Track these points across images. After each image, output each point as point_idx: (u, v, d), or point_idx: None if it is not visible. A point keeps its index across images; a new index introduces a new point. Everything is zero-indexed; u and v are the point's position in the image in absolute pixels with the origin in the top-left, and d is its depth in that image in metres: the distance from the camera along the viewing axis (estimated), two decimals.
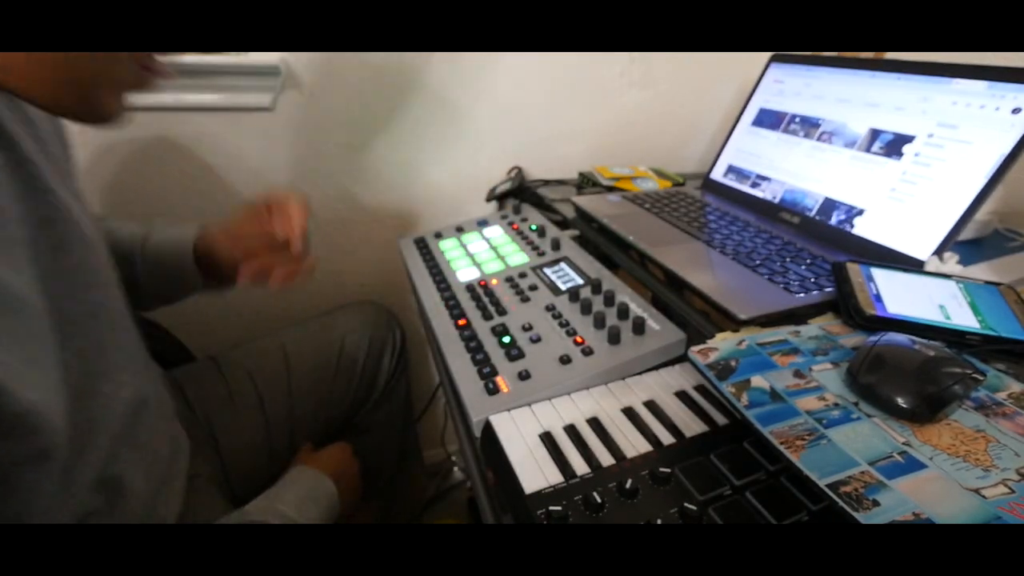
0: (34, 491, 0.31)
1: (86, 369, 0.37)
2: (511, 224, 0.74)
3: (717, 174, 0.81)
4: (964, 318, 0.45)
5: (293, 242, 0.55)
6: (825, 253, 0.59)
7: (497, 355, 0.48)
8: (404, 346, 0.82)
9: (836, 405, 0.36)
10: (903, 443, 0.33)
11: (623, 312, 0.50)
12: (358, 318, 0.78)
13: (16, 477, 0.30)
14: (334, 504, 0.58)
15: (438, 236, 0.74)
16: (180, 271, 0.57)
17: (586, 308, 0.52)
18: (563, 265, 0.62)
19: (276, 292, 0.58)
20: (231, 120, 0.77)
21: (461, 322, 0.54)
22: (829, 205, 0.64)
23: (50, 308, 0.34)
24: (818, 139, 0.68)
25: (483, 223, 0.76)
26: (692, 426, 0.40)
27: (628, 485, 0.34)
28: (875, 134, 0.62)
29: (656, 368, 0.48)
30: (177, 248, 0.57)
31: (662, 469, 0.35)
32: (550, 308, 0.54)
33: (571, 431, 0.40)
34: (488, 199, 0.90)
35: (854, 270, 0.50)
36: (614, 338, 0.48)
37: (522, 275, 0.61)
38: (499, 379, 0.45)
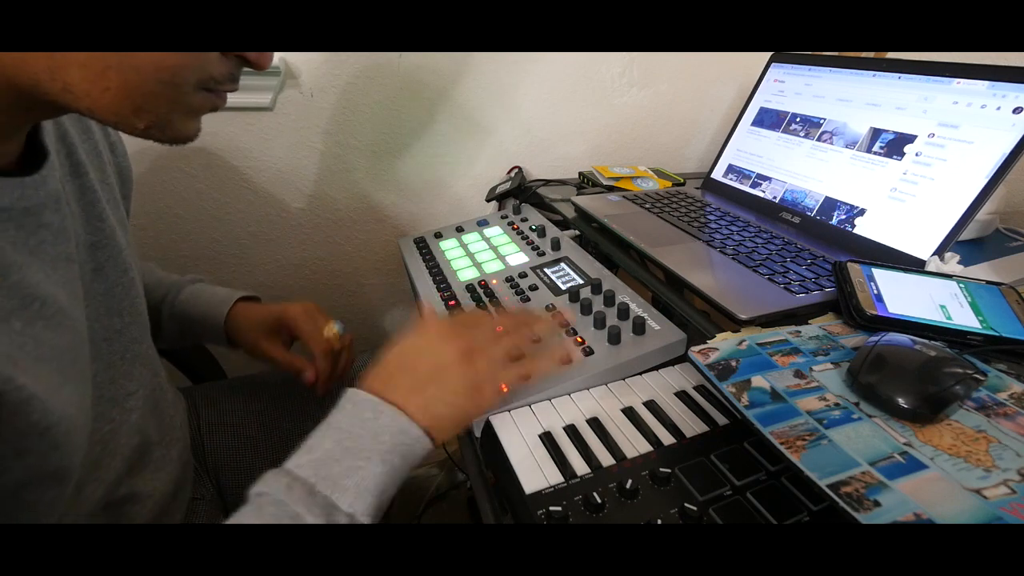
0: (43, 510, 0.32)
1: (99, 393, 0.38)
2: (511, 224, 0.74)
3: (717, 174, 0.81)
4: (965, 318, 0.45)
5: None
6: (826, 253, 0.59)
7: None
8: None
9: (837, 405, 0.36)
10: (904, 443, 0.33)
11: (623, 312, 0.50)
12: None
13: (30, 494, 0.30)
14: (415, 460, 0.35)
15: (438, 236, 0.74)
16: (206, 334, 0.59)
17: (586, 308, 0.52)
18: (563, 265, 0.62)
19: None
20: (231, 119, 0.77)
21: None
22: (830, 205, 0.64)
23: (88, 327, 0.36)
24: (819, 139, 0.68)
25: (483, 223, 0.76)
26: (692, 426, 0.40)
27: (628, 485, 0.34)
28: (876, 134, 0.62)
29: (656, 368, 0.47)
30: (208, 317, 0.58)
31: (662, 469, 0.35)
32: (550, 308, 0.54)
33: (571, 431, 0.40)
34: (488, 199, 0.90)
35: (855, 270, 0.50)
36: (614, 338, 0.48)
37: (522, 275, 0.61)
38: None
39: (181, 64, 0.29)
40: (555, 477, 0.35)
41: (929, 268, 0.52)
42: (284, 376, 0.68)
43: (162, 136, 0.32)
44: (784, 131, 0.73)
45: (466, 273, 0.64)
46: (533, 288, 0.58)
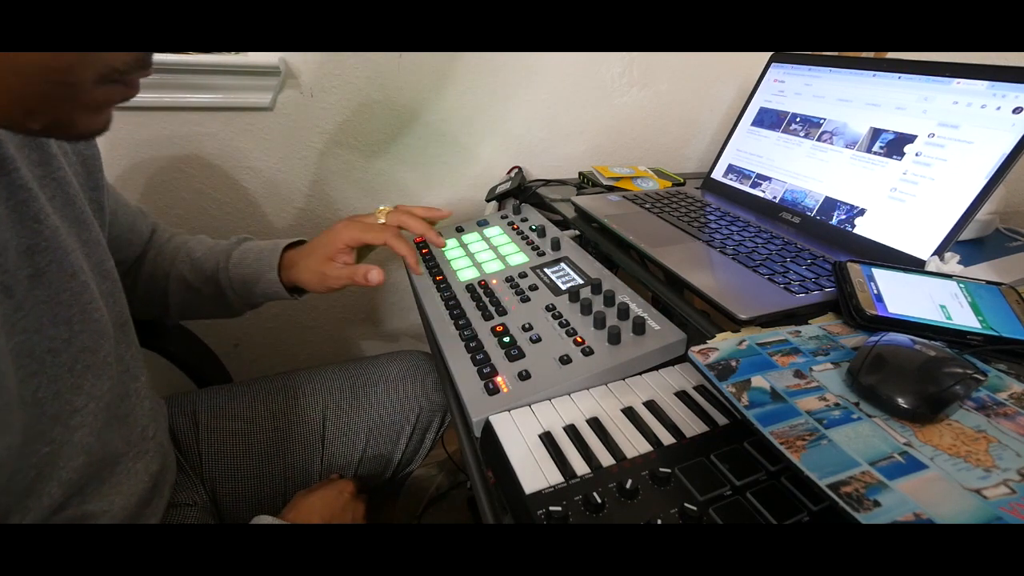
0: None
1: (40, 410, 0.35)
2: (511, 224, 0.74)
3: (717, 174, 0.81)
4: (965, 318, 0.45)
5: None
6: (826, 253, 0.59)
7: (497, 355, 0.48)
8: (446, 423, 0.72)
9: (837, 405, 0.36)
10: (904, 443, 0.33)
11: (623, 312, 0.50)
12: (410, 381, 0.69)
13: None
14: None
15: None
16: (262, 284, 0.59)
17: (586, 308, 0.52)
18: (563, 265, 0.62)
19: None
20: (231, 119, 0.77)
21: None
22: (830, 205, 0.64)
23: (14, 345, 0.33)
24: (819, 139, 0.68)
25: (483, 223, 0.76)
26: (692, 426, 0.40)
27: (628, 485, 0.34)
28: (876, 134, 0.62)
29: (656, 368, 0.47)
30: (262, 265, 0.59)
31: (662, 469, 0.35)
32: (550, 308, 0.54)
33: (571, 431, 0.40)
34: (488, 199, 0.90)
35: (855, 270, 0.50)
36: (614, 338, 0.48)
37: (522, 275, 0.61)
38: (499, 379, 0.45)
39: (73, 62, 0.26)
40: (555, 477, 0.35)
41: (929, 268, 0.52)
42: (290, 380, 0.67)
43: (65, 136, 0.29)
44: (784, 131, 0.73)
45: (466, 273, 0.64)
46: (533, 288, 0.58)
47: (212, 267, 0.60)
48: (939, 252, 0.52)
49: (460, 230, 0.75)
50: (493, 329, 0.52)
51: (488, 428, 0.41)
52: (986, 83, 0.54)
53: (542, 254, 0.65)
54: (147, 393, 0.48)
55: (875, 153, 0.61)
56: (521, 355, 0.48)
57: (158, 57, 0.67)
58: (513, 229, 0.73)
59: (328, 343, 1.02)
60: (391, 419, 0.66)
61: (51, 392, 0.35)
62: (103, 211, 0.47)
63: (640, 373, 0.47)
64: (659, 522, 0.32)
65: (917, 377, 0.36)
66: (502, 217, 0.77)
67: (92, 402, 0.39)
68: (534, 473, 0.36)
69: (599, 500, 0.33)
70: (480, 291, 0.59)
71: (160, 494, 0.49)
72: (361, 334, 1.04)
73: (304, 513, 0.53)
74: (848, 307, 0.47)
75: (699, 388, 0.44)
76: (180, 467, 0.57)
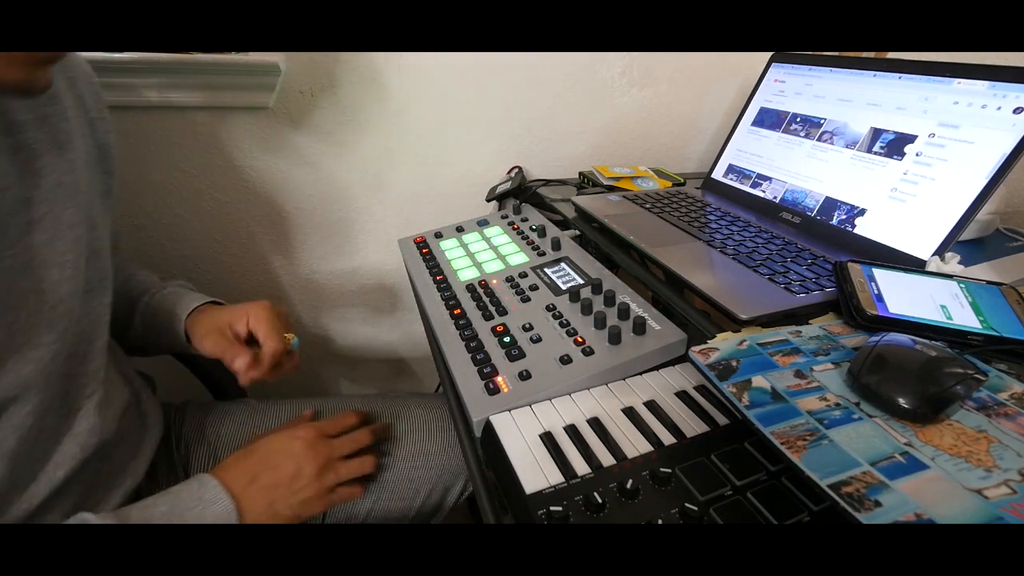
0: None
1: (7, 341, 0.37)
2: (511, 224, 0.74)
3: (718, 174, 0.81)
4: (966, 318, 0.45)
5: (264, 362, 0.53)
6: (826, 253, 0.59)
7: (497, 355, 0.48)
8: (468, 490, 0.65)
9: (837, 405, 0.36)
10: (905, 443, 0.33)
11: (623, 312, 0.50)
12: (434, 434, 0.64)
13: None
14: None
15: (438, 236, 0.74)
16: (170, 333, 0.56)
17: (586, 308, 0.52)
18: (563, 265, 0.62)
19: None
20: (231, 119, 0.77)
21: (461, 320, 0.54)
22: (830, 205, 0.64)
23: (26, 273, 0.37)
24: (819, 139, 0.68)
25: (483, 223, 0.76)
26: (693, 426, 0.40)
27: (629, 485, 0.34)
28: (876, 134, 0.62)
29: (657, 368, 0.47)
30: (172, 315, 0.56)
31: (663, 469, 0.35)
32: (550, 308, 0.54)
33: (572, 431, 0.40)
34: (488, 199, 0.90)
35: (855, 270, 0.50)
36: (614, 338, 0.48)
37: (522, 275, 0.61)
38: (499, 379, 0.45)
39: None
40: (555, 477, 0.35)
41: (930, 268, 0.52)
42: (307, 407, 0.64)
43: None
44: (784, 131, 0.73)
45: (466, 273, 0.64)
46: (533, 288, 0.58)
47: (138, 293, 0.58)
48: (940, 252, 0.52)
49: (460, 230, 0.75)
50: (493, 329, 0.52)
51: (488, 428, 0.41)
52: (986, 83, 0.54)
53: (542, 254, 0.65)
54: (102, 351, 0.47)
55: (875, 153, 0.61)
56: (521, 355, 0.48)
57: (159, 57, 0.67)
58: (513, 229, 0.73)
59: (327, 341, 1.02)
60: (409, 475, 0.61)
61: (26, 325, 0.38)
62: (110, 196, 0.50)
63: (640, 373, 0.47)
64: (660, 522, 0.32)
65: (918, 377, 0.36)
66: (502, 217, 0.77)
67: (58, 343, 0.40)
68: (535, 473, 0.36)
69: (600, 500, 0.33)
70: (480, 291, 0.59)
71: (107, 465, 0.47)
72: (362, 332, 1.04)
73: (240, 469, 0.48)
74: (849, 307, 0.47)
75: (699, 388, 0.44)
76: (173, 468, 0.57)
